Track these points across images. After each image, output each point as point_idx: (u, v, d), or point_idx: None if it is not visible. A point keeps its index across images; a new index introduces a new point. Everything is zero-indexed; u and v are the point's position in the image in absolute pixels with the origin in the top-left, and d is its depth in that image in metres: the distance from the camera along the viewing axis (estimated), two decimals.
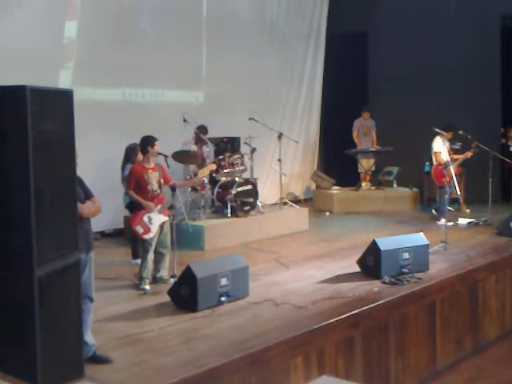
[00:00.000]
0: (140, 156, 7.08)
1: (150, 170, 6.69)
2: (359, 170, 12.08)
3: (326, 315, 5.48)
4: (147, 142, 6.70)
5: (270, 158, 11.39)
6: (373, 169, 12.19)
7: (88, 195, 4.75)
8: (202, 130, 9.34)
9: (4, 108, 3.95)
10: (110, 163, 7.94)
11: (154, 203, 6.62)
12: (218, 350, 4.75)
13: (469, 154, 9.99)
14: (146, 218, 6.54)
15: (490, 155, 9.71)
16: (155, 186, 6.67)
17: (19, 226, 3.97)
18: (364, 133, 12.12)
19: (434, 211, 10.23)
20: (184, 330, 5.27)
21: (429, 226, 9.36)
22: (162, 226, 6.65)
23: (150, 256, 6.59)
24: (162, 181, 6.74)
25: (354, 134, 12.13)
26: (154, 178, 6.68)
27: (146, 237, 6.54)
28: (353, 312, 5.58)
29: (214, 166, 8.63)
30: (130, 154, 7.56)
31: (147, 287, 6.49)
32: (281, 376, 4.89)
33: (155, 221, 6.57)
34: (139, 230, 6.51)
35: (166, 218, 6.69)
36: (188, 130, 9.14)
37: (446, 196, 9.28)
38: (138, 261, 7.50)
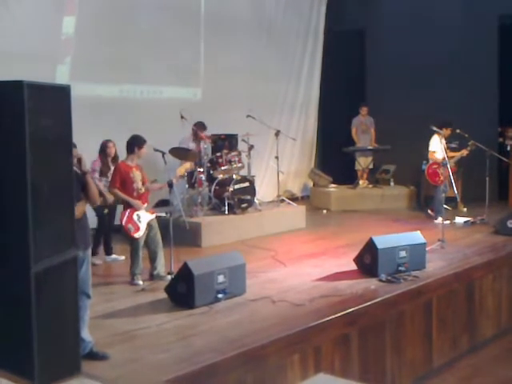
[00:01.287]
0: (110, 152, 7.52)
1: (134, 168, 6.71)
2: (356, 168, 12.08)
3: (323, 313, 5.48)
4: (136, 142, 6.73)
5: (268, 155, 11.39)
6: (370, 167, 12.19)
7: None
8: (201, 126, 9.34)
9: (1, 103, 3.94)
10: None
11: (141, 202, 6.65)
12: (214, 346, 4.74)
13: (465, 152, 10.00)
14: (135, 217, 6.57)
15: (488, 154, 9.72)
16: (139, 185, 6.70)
17: (16, 222, 3.96)
18: (363, 130, 12.11)
19: (429, 211, 10.23)
20: (181, 326, 5.27)
21: (426, 225, 9.36)
22: (149, 224, 6.68)
23: (140, 253, 6.63)
24: (144, 178, 6.78)
25: (353, 131, 12.13)
26: (138, 177, 6.71)
27: (136, 235, 6.56)
28: (349, 310, 5.58)
29: (187, 165, 8.75)
30: (101, 150, 7.65)
31: (140, 282, 6.55)
32: (277, 373, 4.89)
33: (143, 219, 6.61)
34: (130, 228, 6.53)
35: (153, 216, 6.73)
36: (185, 127, 9.14)
37: (443, 195, 9.28)
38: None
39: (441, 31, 11.77)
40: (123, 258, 7.61)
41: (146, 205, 6.70)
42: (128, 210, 6.59)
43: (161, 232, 6.78)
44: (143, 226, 6.60)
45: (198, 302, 5.66)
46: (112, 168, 7.48)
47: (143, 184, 6.77)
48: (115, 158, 7.64)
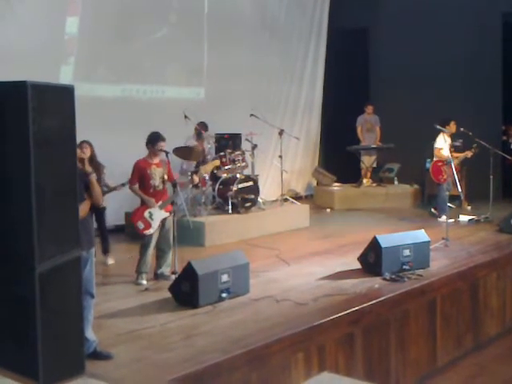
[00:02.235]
0: (88, 152, 7.18)
1: (153, 166, 6.68)
2: (362, 167, 12.06)
3: (327, 312, 5.48)
4: (150, 139, 6.70)
5: (271, 154, 11.38)
6: (374, 165, 12.17)
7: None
8: (203, 126, 9.34)
9: (5, 104, 3.95)
10: (110, 159, 7.91)
11: (156, 199, 6.62)
12: (218, 346, 4.75)
13: (469, 154, 9.99)
14: (146, 214, 6.54)
15: (491, 152, 9.70)
16: (158, 182, 6.66)
17: (20, 222, 3.97)
18: (367, 129, 12.11)
19: (433, 210, 10.22)
20: (185, 326, 5.27)
21: (430, 223, 9.35)
22: (163, 222, 6.65)
23: (149, 252, 6.59)
24: (165, 177, 6.73)
25: (358, 130, 12.12)
26: (157, 174, 6.67)
27: (146, 232, 6.53)
28: (353, 309, 5.58)
29: (217, 162, 8.70)
30: None
31: (144, 282, 6.52)
32: (281, 372, 4.89)
33: (156, 217, 6.57)
34: (140, 225, 6.51)
35: (167, 214, 6.67)
36: (189, 127, 9.15)
37: (447, 193, 9.26)
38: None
39: (444, 29, 11.75)
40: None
41: (160, 202, 6.64)
42: (140, 207, 6.59)
43: None
44: (155, 224, 6.55)
45: (201, 301, 5.66)
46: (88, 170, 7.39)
47: (169, 180, 6.75)
48: (92, 160, 7.20)
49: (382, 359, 5.84)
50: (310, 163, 13.18)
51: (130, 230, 6.75)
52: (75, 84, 4.49)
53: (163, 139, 6.70)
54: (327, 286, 6.34)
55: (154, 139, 6.68)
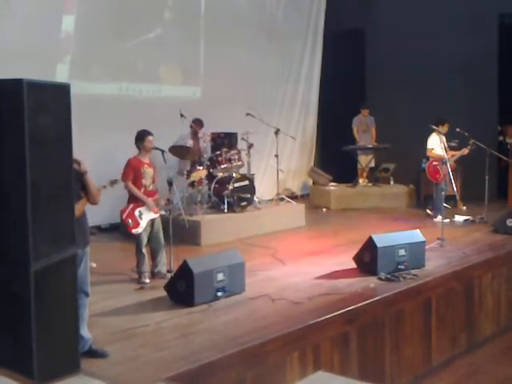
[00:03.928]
0: None
1: (145, 165, 6.68)
2: (359, 167, 12.06)
3: (322, 311, 5.49)
4: (138, 137, 6.71)
5: (267, 153, 11.39)
6: (371, 165, 12.18)
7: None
8: (198, 123, 9.33)
9: (0, 102, 3.94)
10: (107, 157, 7.93)
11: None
12: (214, 344, 4.75)
13: (465, 151, 10.00)
14: (137, 213, 6.54)
15: (487, 153, 9.71)
16: (148, 182, 6.67)
17: (15, 220, 3.97)
18: (363, 130, 12.11)
19: (428, 211, 10.24)
20: (180, 324, 5.28)
21: (425, 223, 9.37)
22: (152, 223, 6.65)
23: (143, 250, 6.60)
24: (155, 178, 6.74)
25: (354, 130, 12.13)
26: (148, 173, 6.67)
27: (134, 231, 6.52)
28: (349, 308, 5.59)
29: (203, 172, 8.72)
30: None
31: (147, 280, 6.53)
32: (277, 371, 4.90)
33: (145, 216, 6.57)
34: (129, 223, 6.49)
35: (156, 215, 6.69)
36: (185, 125, 9.14)
37: (443, 193, 9.29)
38: None
39: (440, 30, 11.75)
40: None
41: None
42: (131, 205, 6.57)
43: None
44: (143, 224, 6.56)
45: (197, 300, 5.66)
46: None
47: (153, 182, 6.75)
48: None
49: (376, 358, 5.85)
50: (306, 162, 13.18)
51: (124, 229, 6.72)
52: (71, 82, 4.48)
53: (151, 133, 6.71)
54: (323, 286, 6.34)
55: (141, 136, 6.68)
